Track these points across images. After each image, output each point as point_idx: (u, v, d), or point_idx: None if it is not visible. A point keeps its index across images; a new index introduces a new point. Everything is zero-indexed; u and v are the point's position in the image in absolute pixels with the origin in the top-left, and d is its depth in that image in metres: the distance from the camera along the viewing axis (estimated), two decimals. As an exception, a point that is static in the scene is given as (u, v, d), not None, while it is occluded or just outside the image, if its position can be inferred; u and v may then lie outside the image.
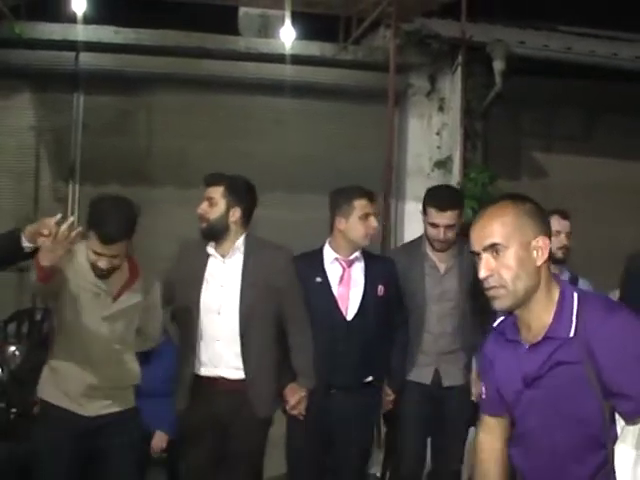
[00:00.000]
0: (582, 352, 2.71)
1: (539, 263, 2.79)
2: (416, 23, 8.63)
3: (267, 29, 8.78)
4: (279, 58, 8.27)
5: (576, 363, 2.72)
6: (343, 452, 5.20)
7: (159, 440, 5.91)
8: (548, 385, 2.81)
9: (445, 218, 5.28)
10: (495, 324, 3.09)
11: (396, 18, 8.04)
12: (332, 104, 8.66)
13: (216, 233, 4.85)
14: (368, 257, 5.25)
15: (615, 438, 2.75)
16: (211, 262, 4.91)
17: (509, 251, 2.77)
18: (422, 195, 8.62)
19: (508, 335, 2.97)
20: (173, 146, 8.35)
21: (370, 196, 5.13)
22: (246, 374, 4.84)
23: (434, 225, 5.32)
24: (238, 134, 8.43)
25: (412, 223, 8.61)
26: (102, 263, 4.25)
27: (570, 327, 2.75)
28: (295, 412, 5.04)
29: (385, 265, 5.36)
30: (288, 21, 8.15)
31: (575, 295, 2.83)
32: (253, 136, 8.43)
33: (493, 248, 2.78)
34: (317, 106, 8.68)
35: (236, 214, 4.85)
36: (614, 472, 2.73)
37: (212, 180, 4.93)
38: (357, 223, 5.04)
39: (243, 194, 4.92)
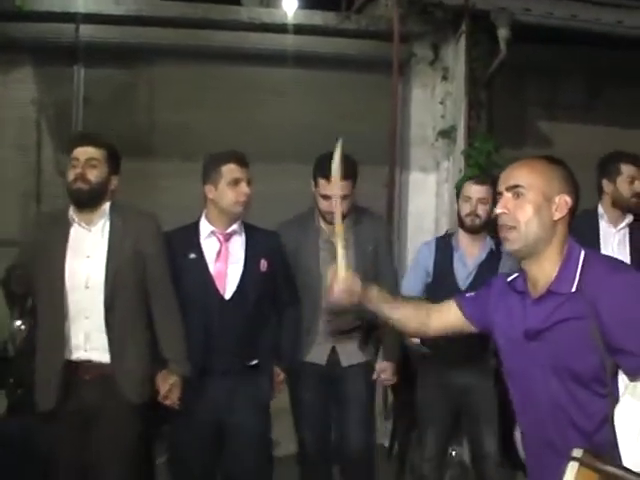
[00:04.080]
0: (586, 308, 2.77)
1: (555, 218, 2.92)
2: (419, -9, 8.56)
3: (269, -1, 8.75)
4: (281, 28, 8.22)
5: (580, 318, 2.79)
6: (235, 443, 4.81)
7: None
8: (551, 339, 2.88)
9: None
10: (508, 279, 3.19)
11: (399, -14, 8.01)
12: (335, 74, 8.58)
13: (94, 198, 4.45)
14: (250, 230, 4.86)
15: (616, 393, 2.79)
16: (75, 231, 4.48)
17: (529, 196, 2.91)
18: (427, 165, 8.84)
19: (517, 287, 3.09)
20: (175, 118, 8.30)
21: (239, 160, 4.71)
22: (112, 354, 4.42)
23: (326, 197, 4.95)
24: (241, 105, 8.38)
25: (416, 193, 8.64)
26: None
27: (573, 283, 2.85)
28: (168, 402, 4.61)
29: (268, 238, 4.96)
30: (290, -10, 8.13)
31: (582, 253, 2.94)
32: (256, 107, 8.38)
33: (515, 189, 2.93)
34: (320, 76, 8.61)
35: (114, 183, 4.54)
36: (614, 425, 2.76)
37: (91, 141, 4.53)
38: (226, 189, 4.65)
39: (119, 162, 4.62)
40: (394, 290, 5.14)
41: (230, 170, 4.66)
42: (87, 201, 4.45)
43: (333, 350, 5.19)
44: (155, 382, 4.60)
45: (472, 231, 5.22)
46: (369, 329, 5.24)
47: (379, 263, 5.20)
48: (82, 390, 4.40)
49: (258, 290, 4.77)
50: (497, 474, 5.32)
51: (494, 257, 5.20)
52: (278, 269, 4.91)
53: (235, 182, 4.65)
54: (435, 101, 8.68)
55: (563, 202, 2.93)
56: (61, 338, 4.39)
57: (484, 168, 8.03)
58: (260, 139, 7.85)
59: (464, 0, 8.26)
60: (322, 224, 5.15)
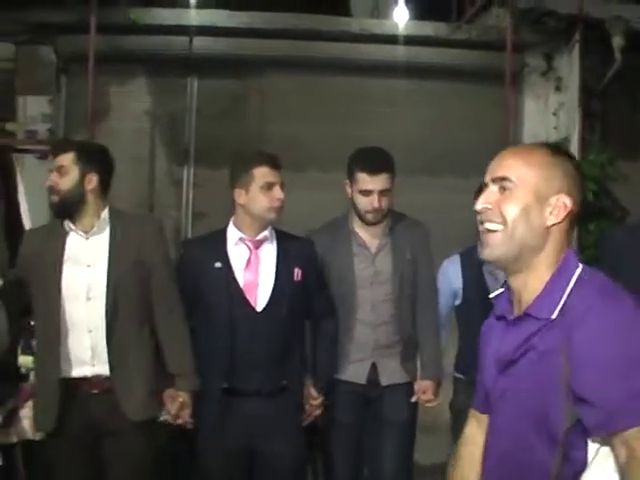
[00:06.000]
0: (562, 339, 2.23)
1: (549, 223, 2.36)
2: (531, 1, 8.44)
3: (380, 10, 8.72)
4: (392, 39, 8.17)
5: (552, 352, 2.25)
6: (266, 472, 4.41)
7: None
8: (520, 373, 2.36)
9: (379, 182, 4.61)
10: (492, 295, 2.64)
11: (511, -5, 7.92)
12: (446, 85, 8.49)
13: (71, 206, 4.20)
14: (282, 237, 4.50)
15: (580, 457, 2.25)
16: (72, 240, 4.23)
17: (518, 192, 2.37)
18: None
19: (497, 310, 2.56)
20: (286, 130, 8.32)
21: (272, 162, 4.38)
22: (111, 368, 4.15)
23: (366, 193, 4.64)
24: (351, 117, 8.35)
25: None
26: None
27: (555, 307, 2.30)
28: (180, 422, 4.36)
29: (302, 246, 4.58)
30: (401, 1, 8.08)
31: (578, 271, 2.36)
32: (367, 119, 8.33)
33: (502, 182, 2.39)
34: (431, 87, 8.53)
35: (93, 181, 4.22)
36: None
37: (59, 147, 4.38)
38: (258, 194, 4.30)
39: (98, 159, 4.32)
40: (431, 307, 4.90)
41: (263, 173, 4.34)
42: (63, 211, 4.25)
43: (373, 367, 4.77)
44: (162, 400, 4.37)
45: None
46: (409, 344, 4.87)
47: (418, 273, 4.83)
48: (88, 405, 4.17)
49: (292, 301, 4.40)
50: None
51: None
52: (312, 278, 4.55)
53: (268, 186, 4.32)
54: (548, 112, 8.52)
55: (561, 204, 2.36)
56: (57, 354, 4.13)
57: (598, 181, 7.88)
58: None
59: (578, 9, 8.12)
60: (356, 227, 4.80)
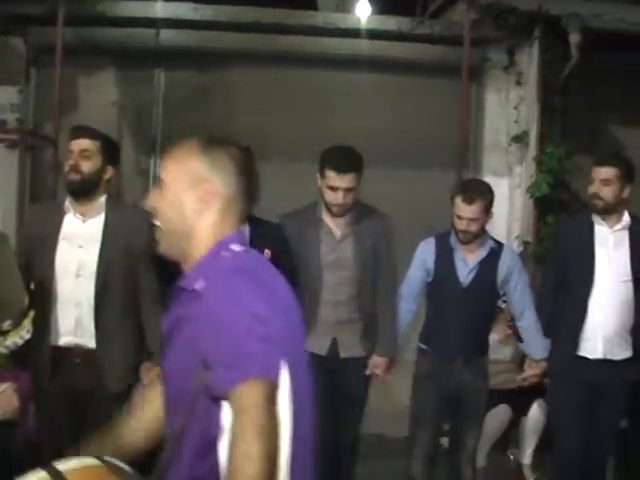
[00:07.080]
0: (198, 308, 2.32)
1: (197, 209, 2.47)
2: (493, -3, 8.58)
3: (345, 4, 8.82)
4: (356, 33, 8.32)
5: (191, 320, 2.34)
6: None
7: None
8: (172, 345, 2.44)
9: (345, 181, 4.95)
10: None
11: (473, -9, 8.04)
12: (409, 79, 8.63)
13: (87, 189, 4.54)
14: (254, 222, 4.70)
15: (212, 419, 2.29)
16: (68, 221, 4.59)
17: (168, 189, 2.48)
18: (499, 170, 8.84)
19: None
20: (251, 121, 8.43)
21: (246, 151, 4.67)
22: (97, 341, 4.52)
23: (332, 189, 5.00)
24: (316, 109, 8.51)
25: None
26: None
27: (197, 280, 2.37)
28: None
29: (272, 229, 4.97)
30: (365, -5, 8.21)
31: (231, 251, 2.44)
32: (330, 111, 8.48)
33: (160, 183, 2.52)
34: (394, 81, 8.66)
35: (108, 173, 4.60)
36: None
37: (84, 132, 4.61)
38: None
39: (116, 154, 4.72)
40: (390, 290, 5.27)
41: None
42: (80, 191, 4.54)
43: (334, 341, 5.18)
44: (139, 373, 4.67)
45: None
46: (371, 322, 5.26)
47: (378, 262, 5.22)
48: (72, 373, 4.51)
49: None
50: (470, 468, 5.40)
51: (495, 254, 5.26)
52: (284, 259, 4.64)
53: None
54: (509, 106, 8.67)
55: (207, 191, 2.45)
56: (48, 324, 4.50)
57: (555, 173, 8.04)
58: (333, 142, 7.91)
59: (538, 6, 8.27)
60: (324, 216, 5.16)
